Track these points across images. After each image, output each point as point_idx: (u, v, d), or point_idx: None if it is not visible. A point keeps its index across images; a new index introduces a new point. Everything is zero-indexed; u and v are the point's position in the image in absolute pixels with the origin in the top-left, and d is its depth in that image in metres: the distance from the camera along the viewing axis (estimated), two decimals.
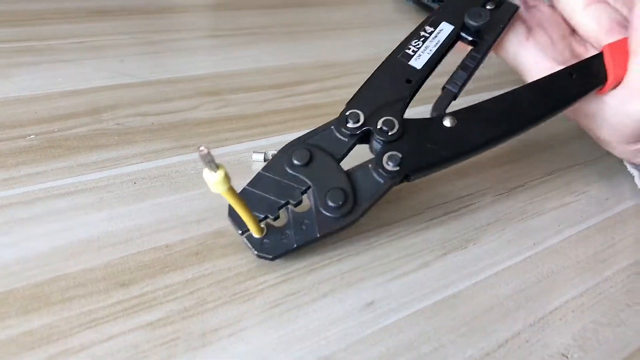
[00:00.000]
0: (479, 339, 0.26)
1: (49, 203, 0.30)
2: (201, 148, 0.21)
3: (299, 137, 0.29)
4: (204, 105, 0.41)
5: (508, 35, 0.34)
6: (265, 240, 0.27)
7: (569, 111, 0.34)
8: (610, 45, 0.33)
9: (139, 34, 0.51)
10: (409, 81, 0.31)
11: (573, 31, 0.37)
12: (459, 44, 0.34)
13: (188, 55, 0.49)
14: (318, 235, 0.27)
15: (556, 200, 0.37)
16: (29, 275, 0.25)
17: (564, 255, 0.32)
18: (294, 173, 0.28)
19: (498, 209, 0.35)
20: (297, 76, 0.49)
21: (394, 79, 0.31)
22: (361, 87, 0.31)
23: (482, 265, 0.30)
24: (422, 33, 0.33)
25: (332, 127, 0.30)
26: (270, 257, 0.27)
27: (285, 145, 0.29)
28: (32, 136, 0.34)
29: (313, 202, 0.28)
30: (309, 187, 0.28)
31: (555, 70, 0.32)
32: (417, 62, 0.31)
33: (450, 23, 0.33)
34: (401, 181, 0.29)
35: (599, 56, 0.33)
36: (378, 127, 0.29)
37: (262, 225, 0.27)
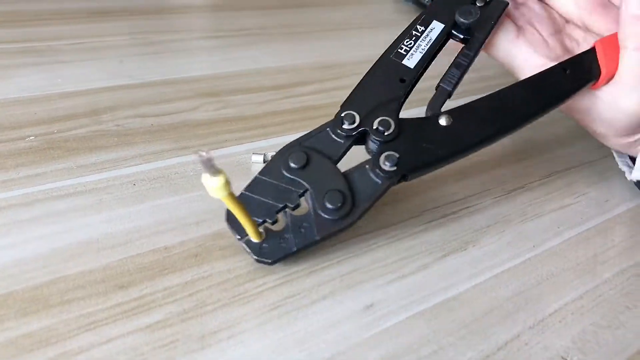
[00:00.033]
0: (479, 341, 0.26)
1: (48, 205, 0.30)
2: (202, 153, 0.21)
3: (295, 140, 0.29)
4: (203, 106, 0.41)
5: (498, 34, 0.35)
6: (264, 245, 0.27)
7: (563, 106, 0.34)
8: (602, 40, 0.33)
9: (139, 35, 0.51)
10: (402, 80, 0.31)
11: (563, 28, 0.37)
12: (452, 44, 0.34)
13: (187, 56, 0.49)
14: (317, 238, 0.27)
15: (556, 202, 0.37)
16: (28, 277, 0.25)
17: (564, 257, 0.32)
18: (291, 176, 0.28)
19: (497, 211, 0.35)
20: (297, 77, 0.49)
21: (388, 79, 0.31)
22: (355, 88, 0.31)
23: (482, 268, 0.30)
24: (414, 32, 0.33)
25: (327, 129, 0.30)
26: (270, 261, 0.27)
27: (282, 148, 0.29)
28: (31, 137, 0.34)
29: (311, 205, 0.28)
30: (306, 190, 0.28)
31: (547, 67, 0.32)
32: (410, 61, 0.31)
33: (441, 21, 0.33)
34: (399, 181, 0.29)
35: (591, 51, 0.33)
36: (374, 127, 0.29)
37: (261, 229, 0.27)
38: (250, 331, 0.25)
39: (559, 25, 0.37)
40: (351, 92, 0.30)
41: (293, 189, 0.28)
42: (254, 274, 0.27)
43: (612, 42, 0.32)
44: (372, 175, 0.28)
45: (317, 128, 0.30)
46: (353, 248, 0.30)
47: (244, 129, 0.40)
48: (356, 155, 0.29)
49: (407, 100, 0.31)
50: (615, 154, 0.39)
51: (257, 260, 0.27)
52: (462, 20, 0.32)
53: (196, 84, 0.44)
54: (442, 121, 0.29)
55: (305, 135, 0.30)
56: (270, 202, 0.27)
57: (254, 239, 0.27)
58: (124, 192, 0.31)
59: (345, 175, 0.28)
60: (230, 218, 0.27)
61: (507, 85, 0.32)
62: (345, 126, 0.29)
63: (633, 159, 0.38)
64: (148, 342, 0.23)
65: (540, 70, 0.32)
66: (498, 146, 0.42)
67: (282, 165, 0.28)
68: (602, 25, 0.35)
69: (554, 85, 0.32)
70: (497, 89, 0.31)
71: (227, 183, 0.22)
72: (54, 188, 0.31)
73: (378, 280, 0.28)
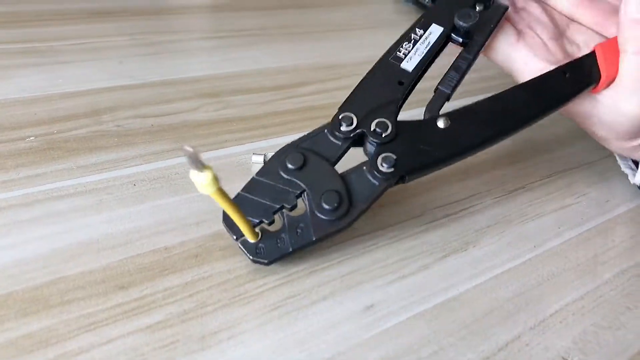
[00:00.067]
0: (479, 342, 0.26)
1: (48, 205, 0.30)
2: (186, 147, 0.20)
3: (292, 142, 0.29)
4: (203, 106, 0.41)
5: (498, 38, 0.35)
6: (260, 245, 0.27)
7: (563, 110, 0.34)
8: (602, 44, 0.33)
9: (139, 36, 0.51)
10: (401, 83, 0.31)
11: (564, 32, 0.37)
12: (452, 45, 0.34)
13: (188, 57, 0.49)
14: (314, 239, 0.27)
15: (556, 202, 0.37)
16: (28, 277, 0.25)
17: (564, 258, 0.32)
18: (288, 177, 0.28)
19: (498, 211, 0.35)
20: (297, 78, 0.49)
21: (386, 82, 0.31)
22: (353, 90, 0.31)
23: (482, 268, 0.30)
24: (413, 35, 0.33)
25: (325, 130, 0.30)
26: (266, 261, 0.27)
27: (279, 150, 0.29)
28: (31, 138, 0.34)
29: (308, 206, 0.28)
30: (303, 191, 0.28)
31: (547, 71, 0.32)
32: (409, 65, 0.31)
33: (440, 25, 0.33)
34: (396, 183, 0.29)
35: (591, 55, 0.33)
36: (371, 129, 0.29)
37: (257, 230, 0.27)
38: (251, 332, 0.25)
39: (559, 30, 0.37)
40: (349, 95, 0.30)
41: (290, 189, 0.28)
42: (254, 275, 0.27)
43: (612, 46, 0.32)
44: (369, 176, 0.28)
45: (315, 130, 0.30)
46: (353, 248, 0.30)
47: (245, 129, 0.40)
48: (354, 158, 0.29)
49: (406, 101, 0.31)
50: (617, 157, 0.39)
51: (254, 261, 0.27)
52: (461, 23, 0.32)
53: (196, 84, 0.44)
54: (440, 123, 0.29)
55: (302, 137, 0.30)
56: (267, 202, 0.27)
57: (250, 238, 0.27)
58: (124, 192, 0.31)
59: (343, 176, 0.28)
60: (227, 219, 0.27)
61: (507, 87, 0.32)
62: (343, 128, 0.29)
63: (636, 162, 0.38)
64: (148, 342, 0.23)
65: (540, 74, 0.32)
66: (498, 146, 0.42)
67: (279, 167, 0.28)
68: (589, 19, 0.35)
69: (553, 89, 0.32)
70: (497, 91, 0.31)
71: (215, 179, 0.22)
72: (54, 188, 0.31)
73: (378, 281, 0.28)
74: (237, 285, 0.27)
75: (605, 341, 0.27)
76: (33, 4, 0.54)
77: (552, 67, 0.32)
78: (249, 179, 0.28)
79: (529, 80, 0.32)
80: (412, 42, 0.32)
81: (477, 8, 0.34)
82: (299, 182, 0.28)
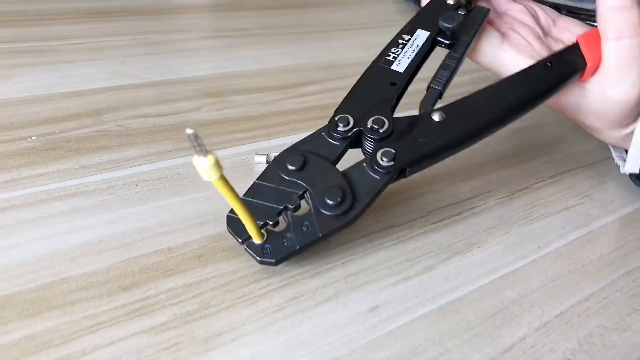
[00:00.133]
0: (485, 344, 0.26)
1: (50, 205, 0.29)
2: (188, 130, 0.20)
3: (291, 146, 0.29)
4: (205, 106, 0.41)
5: (483, 40, 0.35)
6: (266, 246, 0.27)
7: (554, 104, 0.35)
8: (584, 35, 0.34)
9: (140, 35, 0.51)
10: (393, 84, 0.31)
11: (549, 32, 0.37)
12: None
13: (189, 56, 0.49)
14: (320, 235, 0.27)
15: (560, 203, 0.36)
16: (30, 278, 0.25)
17: (569, 259, 0.32)
18: (289, 178, 0.28)
19: (502, 212, 0.35)
20: (299, 77, 0.49)
21: (379, 83, 0.31)
22: (347, 94, 0.31)
23: (487, 269, 0.30)
24: (400, 41, 0.33)
25: (322, 133, 0.30)
26: (273, 261, 0.27)
27: (278, 155, 0.29)
28: (33, 138, 0.34)
29: (312, 204, 0.28)
30: (306, 191, 0.28)
31: None
32: (399, 67, 0.32)
33: (426, 30, 0.34)
34: (397, 178, 0.29)
35: (575, 45, 0.34)
36: (368, 126, 0.29)
37: (262, 231, 0.27)
38: (255, 333, 0.25)
39: (544, 30, 0.37)
40: (343, 99, 0.31)
41: (292, 190, 0.28)
42: (258, 275, 0.27)
43: (594, 35, 0.33)
44: (370, 172, 0.28)
45: (313, 133, 0.30)
46: (358, 249, 0.30)
47: (247, 129, 0.39)
48: (354, 160, 0.29)
49: (399, 102, 0.31)
50: (611, 149, 0.39)
51: (261, 262, 0.27)
52: (445, 25, 0.33)
53: (198, 84, 0.44)
54: (436, 117, 0.30)
55: (300, 140, 0.30)
56: (270, 204, 0.27)
57: (255, 238, 0.26)
58: (127, 192, 0.31)
59: (344, 174, 0.28)
60: (231, 223, 0.27)
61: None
62: (340, 128, 0.29)
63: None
64: (152, 344, 0.23)
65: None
66: (502, 147, 0.42)
67: (280, 169, 0.28)
68: None
69: (540, 78, 0.32)
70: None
71: (218, 164, 0.22)
72: (56, 188, 0.31)
73: (383, 282, 0.28)
74: (241, 286, 0.27)
75: (611, 343, 0.27)
76: (34, 3, 0.53)
77: None
78: (251, 179, 0.28)
79: (516, 73, 0.32)
80: (400, 46, 0.33)
81: (460, 12, 0.35)
82: (300, 182, 0.28)
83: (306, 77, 0.49)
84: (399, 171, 0.28)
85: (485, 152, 0.41)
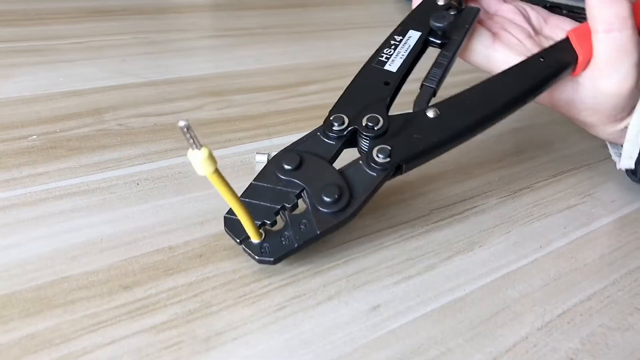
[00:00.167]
0: (487, 343, 0.26)
1: (51, 204, 0.29)
2: (180, 121, 0.20)
3: (286, 147, 0.29)
4: (206, 105, 0.41)
5: (475, 40, 0.35)
6: (264, 245, 0.27)
7: (548, 101, 0.35)
8: (574, 30, 0.34)
9: (141, 34, 0.51)
10: (387, 83, 0.31)
11: (541, 31, 0.38)
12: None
13: (190, 56, 0.49)
14: (318, 232, 0.27)
15: (562, 203, 0.36)
16: (31, 277, 0.25)
17: (571, 258, 0.32)
18: (286, 178, 0.28)
19: (503, 211, 0.35)
20: (300, 77, 0.49)
21: (372, 83, 0.32)
22: (341, 95, 0.31)
23: (489, 268, 0.30)
24: (392, 42, 0.34)
25: (318, 133, 0.30)
26: (272, 259, 0.27)
27: (274, 156, 0.29)
28: (33, 137, 0.34)
29: (309, 202, 0.28)
30: (302, 190, 0.28)
31: None
32: (392, 66, 0.32)
33: (417, 30, 0.34)
34: (394, 174, 0.29)
35: (566, 40, 0.34)
36: (363, 124, 0.29)
37: (261, 231, 0.27)
38: (256, 332, 0.24)
39: (535, 29, 0.38)
40: (337, 99, 0.31)
41: (289, 190, 0.28)
42: (260, 274, 0.27)
43: (584, 29, 0.33)
44: (366, 169, 0.28)
45: (308, 133, 0.30)
46: (359, 248, 0.30)
47: (248, 128, 0.39)
48: (349, 160, 0.29)
49: (394, 101, 0.31)
50: (609, 145, 0.39)
51: (259, 261, 0.27)
52: (436, 24, 0.33)
53: (199, 83, 0.44)
54: (430, 113, 0.30)
55: (296, 141, 0.30)
56: (268, 204, 0.27)
57: (253, 237, 0.26)
58: (128, 191, 0.31)
59: (340, 172, 0.28)
60: (229, 223, 0.27)
61: None
62: (335, 127, 0.29)
63: None
64: (153, 343, 0.23)
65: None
66: (503, 147, 0.42)
67: (276, 169, 0.28)
68: None
69: (533, 73, 0.32)
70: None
71: (212, 157, 0.22)
72: (57, 187, 0.31)
73: (385, 281, 0.28)
74: (242, 285, 0.27)
75: (613, 342, 0.26)
76: (33, 2, 0.53)
77: None
78: (252, 178, 0.28)
79: (509, 68, 0.33)
80: (392, 47, 0.33)
81: (451, 13, 0.35)
82: (297, 181, 0.28)
83: (306, 76, 0.49)
84: (395, 168, 0.28)
85: (486, 152, 0.41)
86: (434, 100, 0.31)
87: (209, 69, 0.47)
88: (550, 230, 0.34)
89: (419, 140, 0.29)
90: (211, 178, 0.22)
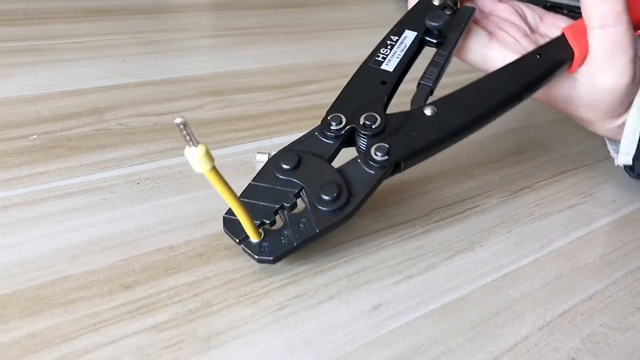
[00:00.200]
0: (488, 342, 0.26)
1: (51, 204, 0.29)
2: (177, 119, 0.20)
3: (285, 147, 0.29)
4: (206, 105, 0.41)
5: (471, 39, 0.35)
6: (264, 244, 0.27)
7: (546, 98, 0.35)
8: (569, 27, 0.34)
9: (141, 34, 0.51)
10: (384, 82, 0.31)
11: (537, 29, 0.38)
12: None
13: (190, 55, 0.49)
14: (317, 231, 0.27)
15: (563, 202, 0.36)
16: (31, 277, 0.25)
17: (572, 258, 0.32)
18: (284, 178, 0.28)
19: (504, 211, 0.35)
20: (300, 76, 0.49)
21: (369, 83, 0.32)
22: (339, 95, 0.31)
23: (489, 268, 0.30)
24: (388, 42, 0.34)
25: (315, 133, 0.30)
26: (271, 258, 0.26)
27: (272, 156, 0.29)
28: (34, 136, 0.34)
29: (308, 201, 0.27)
30: (301, 189, 0.28)
31: None
32: (389, 66, 0.32)
33: (413, 30, 0.34)
34: (392, 173, 0.29)
35: (562, 37, 0.34)
36: (361, 123, 0.29)
37: (260, 230, 0.27)
38: (257, 332, 0.24)
39: (531, 27, 0.38)
40: (335, 99, 0.31)
41: (288, 189, 0.28)
42: (260, 274, 0.27)
43: (580, 26, 0.33)
44: (365, 167, 0.28)
45: (306, 133, 0.30)
46: (360, 248, 0.30)
47: (248, 128, 0.39)
48: (347, 160, 0.29)
49: (391, 100, 0.31)
50: (607, 142, 0.39)
51: (259, 260, 0.27)
52: (432, 24, 0.33)
53: (199, 83, 0.44)
54: (427, 111, 0.30)
55: (294, 141, 0.30)
56: (267, 204, 0.27)
57: (252, 236, 0.26)
58: (128, 191, 0.31)
59: (339, 170, 0.28)
60: (228, 224, 0.27)
61: None
62: (333, 127, 0.29)
63: None
64: (153, 342, 0.23)
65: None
66: (503, 147, 0.42)
67: (275, 169, 0.28)
68: None
69: (530, 70, 0.32)
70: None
71: (209, 154, 0.21)
72: (57, 187, 0.30)
73: (385, 281, 0.28)
74: (243, 284, 0.26)
75: (614, 342, 0.26)
76: (33, 2, 0.53)
77: None
78: (252, 178, 0.28)
79: (506, 65, 0.33)
80: (388, 47, 0.33)
81: (447, 13, 0.35)
82: (295, 180, 0.28)
83: (306, 76, 0.49)
84: (394, 165, 0.29)
85: (485, 151, 0.41)
86: (431, 99, 0.31)
87: (208, 68, 0.47)
88: (551, 230, 0.34)
89: (417, 138, 0.29)
90: (209, 175, 0.22)
